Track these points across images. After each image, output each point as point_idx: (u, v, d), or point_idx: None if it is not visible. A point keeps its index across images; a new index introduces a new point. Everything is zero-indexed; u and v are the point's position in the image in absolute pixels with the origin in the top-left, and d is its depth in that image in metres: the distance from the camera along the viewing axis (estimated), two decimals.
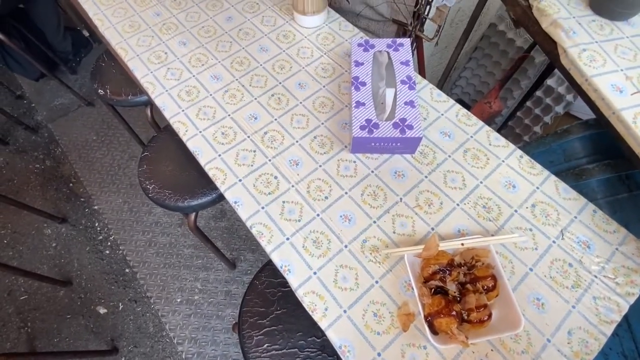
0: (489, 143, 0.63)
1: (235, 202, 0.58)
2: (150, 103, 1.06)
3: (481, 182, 0.59)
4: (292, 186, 0.59)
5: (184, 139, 0.65)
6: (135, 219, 1.45)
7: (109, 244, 1.40)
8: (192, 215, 0.90)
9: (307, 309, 0.50)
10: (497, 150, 0.62)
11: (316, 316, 0.49)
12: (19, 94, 1.86)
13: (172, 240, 1.39)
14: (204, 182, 0.87)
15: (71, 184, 1.56)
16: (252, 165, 0.62)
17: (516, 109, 1.28)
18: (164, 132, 0.98)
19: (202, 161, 0.63)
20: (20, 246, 1.41)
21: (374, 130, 0.58)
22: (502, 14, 1.28)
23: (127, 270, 1.34)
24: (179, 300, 1.27)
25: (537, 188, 0.58)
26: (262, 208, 0.57)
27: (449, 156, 0.62)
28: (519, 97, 1.34)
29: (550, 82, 1.27)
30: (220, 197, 0.86)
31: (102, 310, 1.27)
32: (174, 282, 1.30)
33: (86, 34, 1.93)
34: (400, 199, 0.58)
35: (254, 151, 0.63)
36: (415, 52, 0.93)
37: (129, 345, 1.21)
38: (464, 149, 0.62)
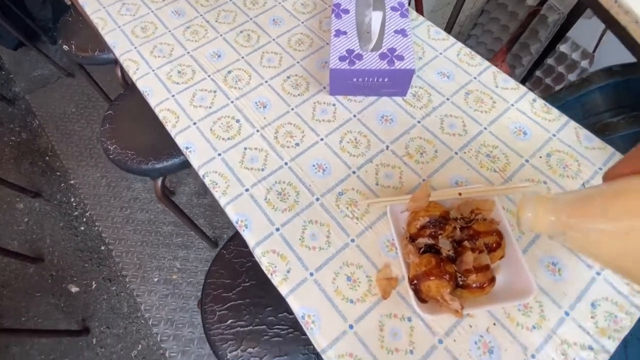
0: (496, 85, 0.52)
1: (187, 148, 0.48)
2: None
3: (485, 128, 0.49)
4: (257, 131, 0.49)
5: (134, 78, 0.55)
6: (113, 194, 1.36)
7: (84, 219, 1.32)
8: (159, 181, 0.81)
9: (266, 271, 0.40)
10: (505, 93, 0.51)
11: (276, 280, 0.39)
12: None
13: (151, 217, 1.30)
14: (171, 143, 0.76)
15: (47, 158, 1.47)
16: (210, 107, 0.52)
17: (525, 78, 1.17)
18: (132, 89, 0.88)
19: (152, 102, 0.53)
20: None
21: (356, 61, 0.47)
22: None
23: (102, 248, 1.26)
24: (156, 279, 1.18)
25: (554, 135, 0.48)
26: (219, 155, 0.48)
27: (448, 99, 0.51)
28: (528, 65, 1.22)
29: (563, 48, 1.15)
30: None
31: (74, 289, 1.19)
32: (151, 260, 1.22)
33: (68, 1, 1.81)
34: (387, 146, 0.48)
35: (214, 92, 0.53)
36: None
37: (101, 325, 1.13)
38: (465, 90, 0.52)
